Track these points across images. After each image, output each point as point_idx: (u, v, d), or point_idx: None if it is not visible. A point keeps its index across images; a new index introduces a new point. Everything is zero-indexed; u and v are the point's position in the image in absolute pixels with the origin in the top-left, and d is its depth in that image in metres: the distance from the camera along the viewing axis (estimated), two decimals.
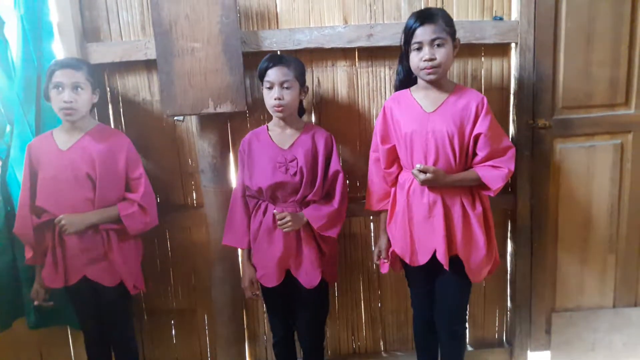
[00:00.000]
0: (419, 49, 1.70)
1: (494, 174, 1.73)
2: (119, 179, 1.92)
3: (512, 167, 1.75)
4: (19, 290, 2.05)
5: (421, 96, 1.80)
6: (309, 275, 1.86)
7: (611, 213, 2.24)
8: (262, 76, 1.82)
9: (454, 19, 1.97)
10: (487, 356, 2.38)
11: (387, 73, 2.14)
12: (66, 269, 1.88)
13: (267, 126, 1.93)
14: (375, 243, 2.06)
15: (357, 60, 2.13)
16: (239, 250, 2.16)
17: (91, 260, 1.88)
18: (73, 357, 2.33)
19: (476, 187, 1.78)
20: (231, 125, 2.17)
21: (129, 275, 1.95)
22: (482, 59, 2.14)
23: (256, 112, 2.16)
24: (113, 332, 2.03)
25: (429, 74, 1.71)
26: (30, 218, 1.84)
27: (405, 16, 2.07)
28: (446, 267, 1.74)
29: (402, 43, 1.78)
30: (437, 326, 1.94)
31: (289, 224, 1.77)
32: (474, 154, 1.76)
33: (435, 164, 1.74)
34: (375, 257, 1.99)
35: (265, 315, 2.36)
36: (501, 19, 2.08)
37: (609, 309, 2.34)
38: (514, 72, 2.14)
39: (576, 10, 2.05)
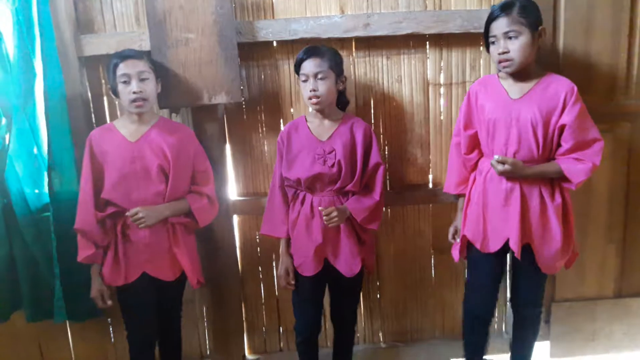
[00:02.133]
0: (494, 42, 1.70)
1: (578, 168, 1.69)
2: (188, 172, 1.91)
3: (598, 161, 1.69)
4: (17, 283, 2.05)
5: (509, 82, 1.78)
6: (349, 264, 1.87)
7: (611, 203, 2.22)
8: (297, 69, 1.83)
9: (452, 8, 1.97)
10: (494, 345, 2.34)
11: (384, 63, 2.13)
12: (127, 266, 1.83)
13: (306, 117, 1.93)
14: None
15: (354, 50, 2.11)
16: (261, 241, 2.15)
17: (154, 255, 1.85)
18: (72, 350, 2.33)
19: (557, 178, 1.75)
20: (227, 117, 2.16)
21: (193, 269, 1.93)
22: (481, 48, 2.12)
23: (252, 103, 2.15)
24: (168, 327, 2.03)
25: (505, 67, 1.70)
26: (95, 212, 1.80)
27: (402, 5, 2.05)
28: (517, 254, 1.73)
29: (483, 36, 1.78)
30: (515, 314, 1.97)
31: (335, 219, 1.77)
32: (559, 145, 1.73)
33: (516, 153, 1.72)
34: (450, 236, 2.01)
35: (264, 307, 2.36)
36: None
37: (609, 298, 2.33)
38: None
39: (575, 0, 2.02)
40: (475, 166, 1.90)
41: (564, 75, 2.04)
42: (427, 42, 2.12)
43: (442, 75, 2.15)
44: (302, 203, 1.89)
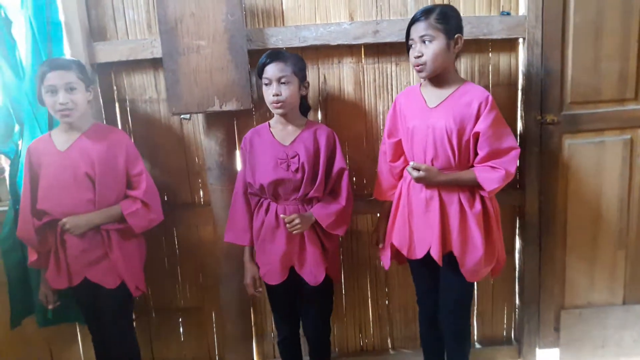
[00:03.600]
0: (412, 46, 1.72)
1: (491, 176, 1.68)
2: (119, 178, 1.90)
3: (512, 169, 1.68)
4: (29, 289, 2.07)
5: (427, 91, 1.79)
6: (313, 273, 1.85)
7: (621, 209, 2.21)
8: (260, 73, 1.82)
9: (461, 15, 1.97)
10: (495, 353, 2.36)
11: (393, 69, 2.13)
12: (69, 270, 1.86)
13: (269, 123, 1.93)
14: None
15: (363, 56, 2.12)
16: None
17: (92, 261, 1.86)
18: (82, 354, 2.35)
19: (476, 186, 1.74)
20: (237, 123, 2.18)
21: (130, 276, 1.92)
22: (490, 54, 2.12)
23: (262, 109, 2.16)
24: (113, 335, 1.99)
25: (418, 71, 1.72)
26: (32, 221, 1.83)
27: (411, 12, 2.06)
28: (439, 263, 1.73)
29: (405, 41, 1.78)
30: (441, 325, 1.93)
31: (298, 226, 1.76)
32: (475, 153, 1.73)
33: (433, 160, 1.73)
34: (374, 242, 2.02)
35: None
36: (508, 14, 2.06)
37: (619, 305, 2.31)
38: (521, 68, 2.12)
39: (584, 4, 2.03)
40: (401, 174, 1.90)
41: (574, 79, 2.06)
42: None
43: None
44: (267, 212, 1.87)
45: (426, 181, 1.71)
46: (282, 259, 1.84)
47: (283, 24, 2.08)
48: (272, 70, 1.77)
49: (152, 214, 1.94)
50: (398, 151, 1.88)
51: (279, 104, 1.78)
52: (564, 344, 2.33)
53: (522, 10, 2.07)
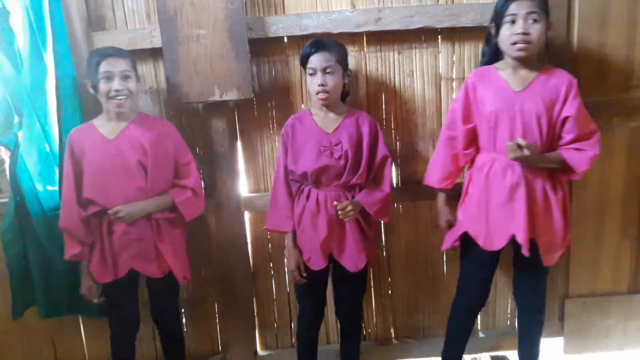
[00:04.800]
0: (513, 21, 1.66)
1: (580, 157, 1.70)
2: (169, 166, 1.90)
3: (597, 151, 1.71)
4: (30, 280, 2.06)
5: (508, 74, 1.76)
6: (353, 259, 1.87)
7: (625, 198, 2.20)
8: (304, 63, 1.82)
9: (464, 2, 1.94)
10: (499, 342, 2.36)
11: (395, 58, 2.11)
12: (114, 262, 1.83)
13: (310, 110, 1.92)
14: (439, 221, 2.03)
15: (365, 45, 2.10)
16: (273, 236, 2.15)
17: (139, 251, 1.84)
18: (85, 346, 2.35)
19: (557, 171, 1.76)
20: (238, 113, 2.16)
21: (179, 265, 1.92)
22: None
23: (263, 99, 2.14)
24: (162, 324, 2.03)
25: (520, 49, 1.67)
26: (78, 211, 1.80)
27: None
28: (525, 251, 1.72)
29: (491, 20, 1.75)
30: (522, 314, 1.98)
31: (351, 213, 1.77)
32: (559, 137, 1.73)
33: None
34: (437, 224, 2.01)
35: (276, 303, 2.36)
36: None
37: (624, 295, 2.31)
38: None
39: None
40: (469, 162, 1.88)
41: (579, 67, 2.03)
42: (439, 36, 2.09)
43: (454, 70, 2.13)
44: (307, 198, 1.88)
45: (526, 161, 1.68)
46: (322, 245, 1.85)
47: (284, 12, 2.05)
48: (317, 60, 1.77)
49: (200, 202, 1.95)
50: (470, 138, 1.85)
51: (325, 95, 1.78)
52: (568, 333, 2.32)
53: None
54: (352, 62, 2.10)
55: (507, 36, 1.69)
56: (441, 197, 1.98)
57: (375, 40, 2.09)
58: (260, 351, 2.41)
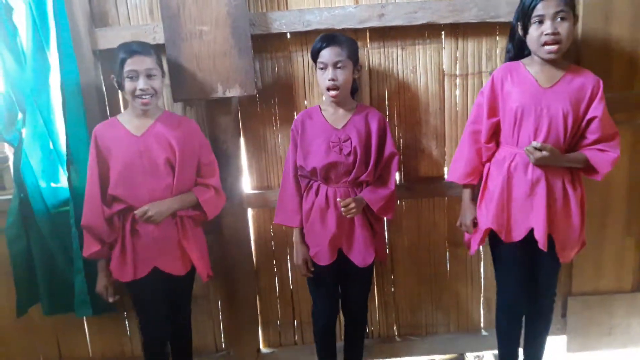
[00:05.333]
0: (541, 22, 1.65)
1: (603, 158, 1.70)
2: (194, 164, 1.90)
3: (619, 153, 1.71)
4: (34, 277, 2.07)
5: (536, 70, 1.75)
6: (362, 255, 1.88)
7: (629, 195, 2.19)
8: (315, 57, 1.82)
9: None
10: None
11: (399, 54, 2.10)
12: (135, 261, 1.81)
13: (320, 106, 1.92)
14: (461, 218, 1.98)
15: (368, 41, 2.09)
16: (279, 230, 2.14)
17: (163, 249, 1.84)
18: (89, 343, 2.35)
19: (579, 170, 1.76)
20: (241, 110, 2.15)
21: (203, 263, 1.93)
22: (497, 38, 2.08)
23: (267, 95, 2.14)
24: (179, 321, 2.04)
25: (551, 51, 1.66)
26: (102, 209, 1.78)
27: None
28: (542, 246, 1.72)
29: (517, 17, 1.74)
30: (532, 313, 1.97)
31: (354, 210, 1.77)
32: (582, 136, 1.73)
33: (544, 142, 1.70)
34: (470, 228, 1.92)
35: (279, 300, 2.36)
36: None
37: (627, 293, 2.30)
38: None
39: None
40: (491, 156, 1.87)
41: (583, 64, 2.02)
42: (443, 32, 2.09)
43: (457, 66, 2.12)
44: (317, 194, 1.88)
45: (546, 162, 1.68)
46: (331, 241, 1.86)
47: (287, 8, 2.05)
48: (328, 54, 1.77)
49: (221, 201, 1.96)
50: (493, 131, 1.84)
51: (335, 92, 1.78)
52: (571, 331, 2.32)
53: None
54: None
55: (536, 37, 1.67)
56: (467, 193, 1.95)
57: (379, 36, 2.08)
58: (263, 348, 2.41)
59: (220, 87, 1.95)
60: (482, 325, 2.40)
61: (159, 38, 1.98)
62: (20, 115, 2.01)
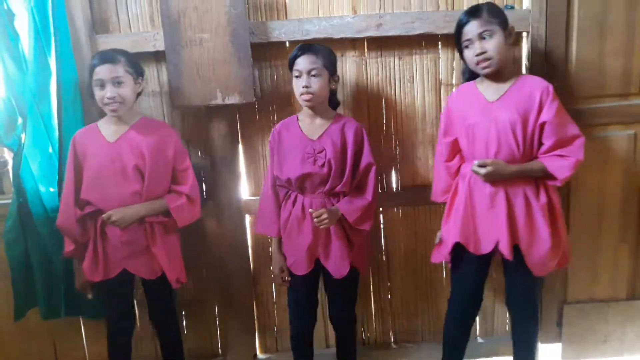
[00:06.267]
0: (471, 44, 1.72)
1: (561, 164, 1.70)
2: (167, 172, 1.91)
3: (581, 156, 1.70)
4: (32, 281, 2.07)
5: (485, 87, 1.80)
6: (337, 265, 1.87)
7: (624, 203, 2.20)
8: (291, 66, 1.83)
9: (464, 8, 1.97)
10: (497, 347, 2.36)
11: (396, 63, 2.13)
12: (106, 262, 1.86)
13: (297, 116, 1.93)
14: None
15: (366, 50, 2.12)
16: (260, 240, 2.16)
17: (132, 253, 1.86)
18: (86, 347, 2.35)
19: (542, 178, 1.75)
20: (240, 117, 2.17)
21: (171, 269, 1.93)
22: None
23: (265, 103, 2.16)
24: (159, 325, 2.05)
25: (484, 67, 1.71)
26: (74, 211, 1.83)
27: (414, 5, 2.06)
28: (508, 257, 1.73)
29: (455, 44, 1.80)
30: (515, 321, 1.98)
31: (326, 220, 1.77)
32: (540, 144, 1.74)
33: (497, 154, 1.72)
34: (437, 241, 1.97)
35: (276, 306, 2.36)
36: (512, 7, 2.05)
37: (622, 300, 2.31)
38: (525, 62, 2.11)
39: None
40: (457, 173, 1.89)
41: (578, 75, 2.05)
42: (440, 42, 2.12)
43: (454, 76, 2.15)
44: (294, 204, 1.89)
45: (495, 176, 1.70)
46: (308, 250, 1.86)
47: (286, 17, 2.07)
48: (302, 62, 1.79)
49: (195, 209, 1.95)
50: (454, 150, 1.88)
51: (309, 97, 1.79)
52: (566, 339, 2.33)
53: (526, 4, 2.06)
54: (352, 68, 2.12)
55: (470, 58, 1.74)
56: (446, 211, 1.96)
57: (376, 45, 2.11)
58: (259, 354, 2.41)
59: (220, 94, 1.97)
60: (477, 332, 2.41)
61: (160, 45, 2.00)
62: (20, 120, 2.02)
